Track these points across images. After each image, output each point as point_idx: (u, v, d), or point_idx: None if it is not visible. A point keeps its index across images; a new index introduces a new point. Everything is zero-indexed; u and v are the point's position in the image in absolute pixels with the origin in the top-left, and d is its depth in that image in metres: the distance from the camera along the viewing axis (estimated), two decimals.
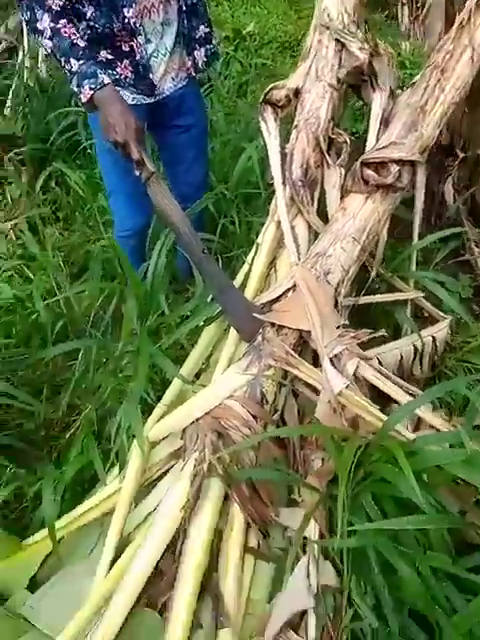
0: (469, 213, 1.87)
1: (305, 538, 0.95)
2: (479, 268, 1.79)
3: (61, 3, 1.26)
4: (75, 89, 1.27)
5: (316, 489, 0.98)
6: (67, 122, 2.33)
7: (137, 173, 1.26)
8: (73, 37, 1.26)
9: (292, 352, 1.09)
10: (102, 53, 1.37)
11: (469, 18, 1.25)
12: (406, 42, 2.88)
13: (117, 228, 1.70)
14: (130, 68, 1.38)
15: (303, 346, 1.16)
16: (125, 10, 1.29)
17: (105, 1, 1.28)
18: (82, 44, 1.26)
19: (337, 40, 1.26)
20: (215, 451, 1.03)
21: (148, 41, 1.38)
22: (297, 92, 1.32)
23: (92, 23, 1.31)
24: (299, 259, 1.23)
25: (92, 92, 1.24)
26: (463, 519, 0.95)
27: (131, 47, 1.34)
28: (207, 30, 1.49)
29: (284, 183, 1.28)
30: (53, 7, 1.25)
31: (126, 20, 1.30)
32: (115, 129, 1.23)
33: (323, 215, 1.35)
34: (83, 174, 2.17)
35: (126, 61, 1.37)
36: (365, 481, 0.94)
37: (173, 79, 1.47)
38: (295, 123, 1.30)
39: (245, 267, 1.31)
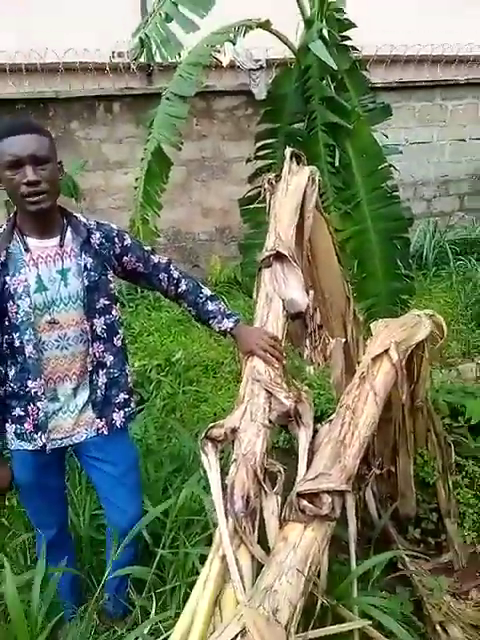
0: (394, 522, 1.99)
1: None
2: (415, 581, 1.81)
3: None
4: None
5: None
6: None
7: None
8: None
9: None
10: (16, 410, 1.58)
11: (367, 370, 1.58)
12: (310, 366, 3.44)
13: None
14: (32, 427, 1.57)
15: None
16: (28, 382, 1.53)
17: (18, 370, 1.54)
18: None
19: (266, 390, 1.51)
20: None
21: (57, 401, 1.59)
22: (234, 430, 1.49)
23: (11, 383, 1.55)
24: (245, 596, 1.20)
25: None
26: None
27: (36, 410, 1.56)
28: (126, 396, 1.72)
29: (227, 515, 1.33)
30: None
31: (28, 389, 1.53)
32: None
33: (262, 543, 1.39)
34: None
35: (31, 420, 1.57)
36: None
37: (86, 430, 1.65)
38: (234, 457, 1.44)
39: (190, 607, 1.25)
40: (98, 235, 1.62)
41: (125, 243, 1.68)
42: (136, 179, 3.60)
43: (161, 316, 4.65)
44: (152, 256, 1.73)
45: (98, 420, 1.64)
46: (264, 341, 1.61)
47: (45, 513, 1.76)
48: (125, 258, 1.68)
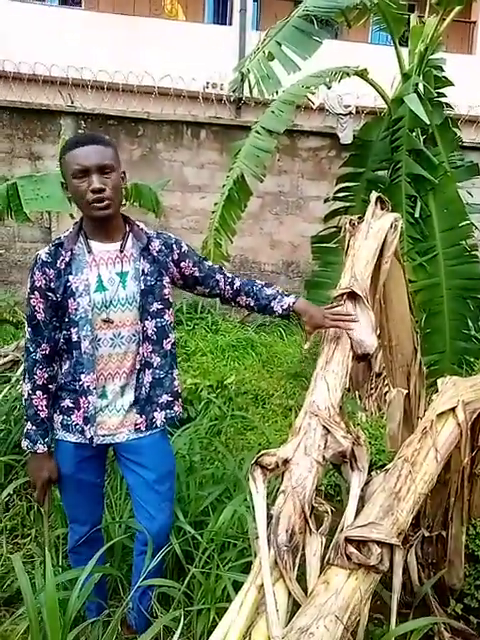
0: (434, 591, 1.88)
1: None
2: None
3: (47, 351, 1.62)
4: (22, 437, 1.68)
5: None
6: None
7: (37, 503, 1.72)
8: (39, 408, 1.64)
9: None
10: (66, 401, 1.65)
11: (431, 426, 1.53)
12: (362, 413, 3.39)
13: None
14: (82, 420, 1.63)
15: None
16: (82, 375, 1.60)
17: (73, 364, 1.62)
18: (43, 415, 1.64)
19: (324, 426, 1.49)
20: None
21: (105, 398, 1.65)
22: (286, 461, 1.47)
23: (63, 376, 1.64)
24: (279, 632, 1.17)
25: (27, 449, 1.65)
26: None
27: (86, 403, 1.62)
28: (170, 399, 1.76)
29: (269, 546, 1.31)
30: (36, 357, 1.61)
31: (81, 382, 1.60)
32: (31, 476, 1.69)
33: (300, 583, 1.35)
34: None
35: (80, 413, 1.63)
36: None
37: (129, 431, 1.69)
38: (282, 488, 1.41)
39: (219, 633, 1.22)
40: (157, 243, 1.71)
41: (182, 250, 1.76)
42: (214, 204, 3.72)
43: (217, 339, 4.72)
44: (205, 261, 1.81)
45: (138, 416, 1.68)
46: (331, 313, 1.68)
47: (80, 508, 1.79)
48: (183, 263, 1.75)
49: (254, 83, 3.38)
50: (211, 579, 1.65)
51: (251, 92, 3.45)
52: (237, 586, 1.38)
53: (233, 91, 3.59)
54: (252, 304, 1.78)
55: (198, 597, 1.63)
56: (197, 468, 2.40)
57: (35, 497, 1.72)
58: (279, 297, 1.76)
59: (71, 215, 3.32)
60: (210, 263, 1.81)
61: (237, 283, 1.79)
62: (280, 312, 1.75)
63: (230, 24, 8.81)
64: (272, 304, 1.75)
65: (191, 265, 1.76)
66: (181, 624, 1.32)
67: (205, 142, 6.46)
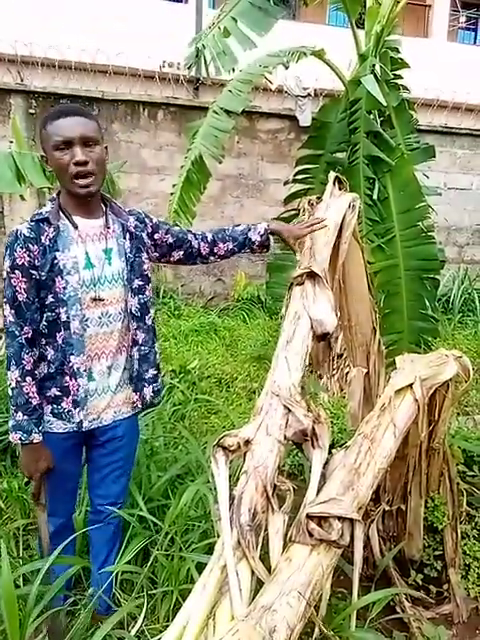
0: (395, 563, 1.93)
1: None
2: (413, 627, 1.76)
3: (29, 334, 1.53)
4: (10, 429, 1.55)
5: None
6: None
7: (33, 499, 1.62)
8: (30, 395, 1.53)
9: None
10: (52, 390, 1.58)
11: (389, 402, 1.56)
12: (324, 393, 3.43)
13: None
14: (71, 404, 1.58)
15: None
16: (72, 357, 1.55)
17: (60, 347, 1.55)
18: (34, 402, 1.54)
19: (285, 406, 1.49)
20: None
21: (92, 380, 1.61)
22: (247, 442, 1.47)
23: (49, 362, 1.57)
24: (243, 610, 1.18)
25: (20, 442, 1.54)
26: None
27: (76, 386, 1.57)
28: (155, 372, 1.78)
29: (231, 526, 1.31)
30: (22, 340, 1.51)
31: (71, 365, 1.55)
32: (28, 469, 1.58)
33: (263, 562, 1.35)
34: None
35: (70, 397, 1.58)
36: None
37: (115, 413, 1.68)
38: (245, 469, 1.41)
39: (183, 615, 1.22)
40: (132, 219, 1.70)
41: (153, 222, 1.78)
42: (173, 185, 3.65)
43: (180, 324, 4.67)
44: (173, 228, 1.83)
45: (134, 394, 1.70)
46: (302, 223, 1.82)
47: (59, 501, 1.74)
48: (156, 235, 1.75)
49: (210, 59, 3.31)
50: (174, 562, 1.64)
51: (207, 69, 3.38)
52: (201, 567, 1.37)
53: (188, 68, 3.51)
54: (231, 246, 1.83)
55: (162, 580, 1.62)
56: (160, 452, 2.38)
57: (31, 490, 1.63)
58: (252, 228, 1.83)
59: (22, 197, 3.19)
60: (178, 228, 1.84)
61: (209, 236, 1.83)
62: (259, 239, 1.82)
63: (186, 2, 8.60)
64: (249, 235, 1.82)
65: (163, 234, 1.78)
66: (145, 609, 1.31)
67: (163, 123, 6.32)
